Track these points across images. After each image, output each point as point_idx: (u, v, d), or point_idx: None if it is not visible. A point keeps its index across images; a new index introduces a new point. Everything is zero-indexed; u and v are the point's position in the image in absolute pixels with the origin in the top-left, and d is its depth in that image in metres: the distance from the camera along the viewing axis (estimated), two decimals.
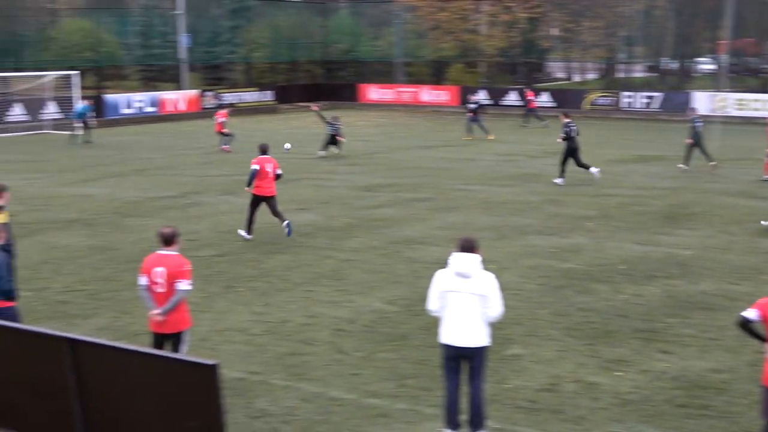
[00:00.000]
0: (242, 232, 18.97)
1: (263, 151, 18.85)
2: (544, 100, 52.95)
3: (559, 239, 19.03)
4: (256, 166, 18.48)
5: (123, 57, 65.12)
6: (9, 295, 10.69)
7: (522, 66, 58.81)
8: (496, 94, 54.16)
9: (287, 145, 31.66)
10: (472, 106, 39.61)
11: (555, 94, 54.05)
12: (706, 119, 37.35)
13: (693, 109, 31.08)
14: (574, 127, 26.29)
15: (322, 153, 32.77)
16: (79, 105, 38.69)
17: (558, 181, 26.26)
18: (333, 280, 15.84)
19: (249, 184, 18.61)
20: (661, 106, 49.83)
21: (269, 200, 18.76)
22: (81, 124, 37.66)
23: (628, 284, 15.56)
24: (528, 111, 45.88)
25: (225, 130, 35.42)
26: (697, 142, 28.79)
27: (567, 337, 12.77)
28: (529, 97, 46.61)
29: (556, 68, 74.43)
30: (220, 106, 40.34)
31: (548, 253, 17.75)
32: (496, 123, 45.92)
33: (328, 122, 33.20)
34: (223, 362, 11.05)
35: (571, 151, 26.23)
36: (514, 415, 10.15)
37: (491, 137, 38.62)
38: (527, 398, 10.60)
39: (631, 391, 10.87)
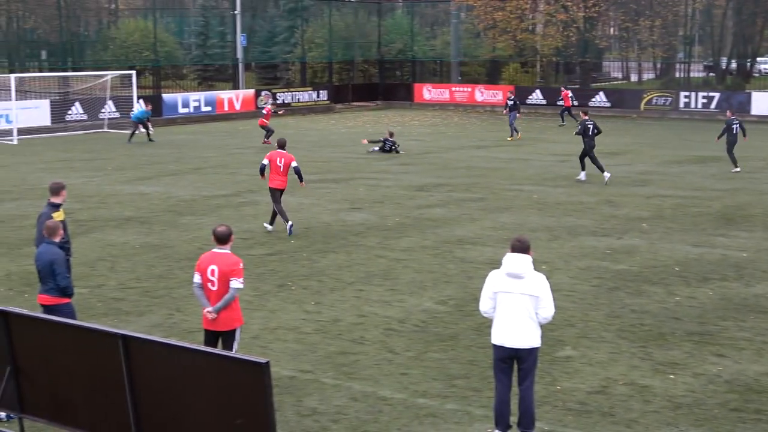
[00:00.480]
0: (268, 227, 19.63)
1: (280, 146, 19.45)
2: (600, 100, 52.51)
3: (613, 240, 18.87)
4: (266, 161, 19.31)
5: (181, 57, 65.84)
6: (65, 291, 10.88)
7: (578, 65, 58.34)
8: (552, 94, 53.79)
9: (374, 148, 34.30)
10: (510, 103, 39.61)
11: (611, 94, 53.56)
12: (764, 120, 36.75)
13: (730, 110, 30.85)
14: (591, 125, 26.33)
15: (374, 148, 33.80)
16: (138, 109, 39.01)
17: (581, 176, 26.69)
18: (384, 279, 15.87)
19: (261, 174, 19.62)
20: (720, 106, 49.15)
21: (277, 193, 19.39)
22: (140, 127, 38.01)
23: (682, 286, 15.39)
24: (564, 109, 45.83)
25: (267, 125, 36.10)
26: (731, 143, 28.52)
27: (619, 340, 12.67)
28: (564, 95, 46.41)
29: (613, 68, 73.84)
30: (265, 103, 40.80)
31: (602, 255, 17.61)
32: (551, 123, 45.67)
33: (382, 141, 34.17)
34: (274, 360, 11.14)
35: (588, 148, 26.40)
36: (564, 417, 10.09)
37: (511, 138, 38.62)
38: (578, 400, 10.54)
39: (683, 394, 10.75)
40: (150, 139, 37.69)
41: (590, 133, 26.20)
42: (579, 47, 56.68)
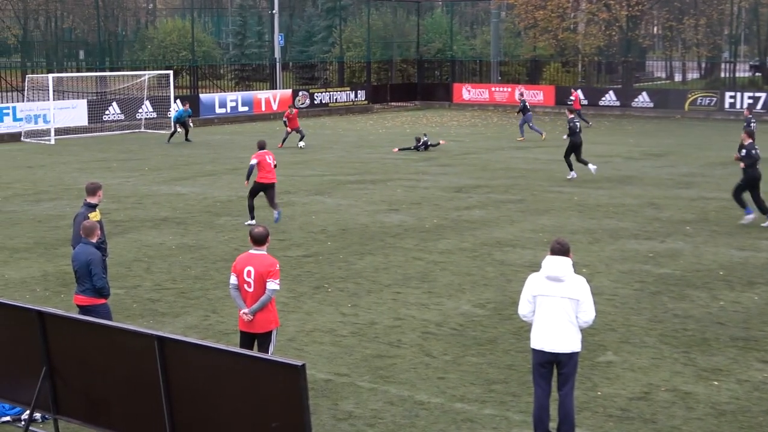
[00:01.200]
0: (249, 222, 20.46)
1: (261, 146, 20.70)
2: (643, 100, 52.15)
3: (656, 244, 18.72)
4: (254, 161, 20.37)
5: (218, 56, 66.23)
6: (102, 292, 10.97)
7: (620, 65, 57.97)
8: (594, 94, 53.51)
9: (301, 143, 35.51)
10: (521, 105, 39.60)
11: (654, 94, 53.18)
12: None
13: (748, 108, 30.73)
14: (577, 123, 27.38)
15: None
16: (177, 109, 39.19)
17: (570, 176, 27.32)
18: (422, 282, 15.85)
19: (248, 178, 20.66)
20: (766, 106, 48.60)
21: (270, 188, 20.53)
22: (179, 127, 38.19)
23: (727, 291, 15.23)
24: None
25: (288, 128, 35.98)
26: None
27: (662, 345, 12.56)
28: (572, 97, 46.01)
29: (657, 67, 73.28)
30: (292, 104, 40.52)
31: (644, 258, 17.48)
32: (594, 124, 45.37)
33: (414, 146, 34.35)
34: (310, 363, 11.15)
35: (574, 147, 27.11)
36: (605, 423, 10.02)
37: (520, 139, 38.55)
38: (619, 407, 10.46)
39: (727, 401, 10.63)
40: (187, 139, 37.92)
41: (578, 131, 27.11)
42: (621, 46, 56.31)
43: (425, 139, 34.91)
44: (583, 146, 27.44)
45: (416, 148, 34.46)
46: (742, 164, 20.46)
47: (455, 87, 58.38)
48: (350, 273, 16.46)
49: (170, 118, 39.23)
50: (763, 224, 20.27)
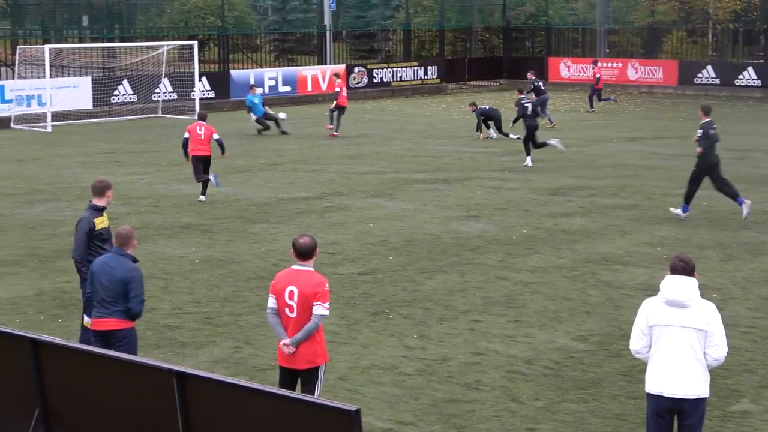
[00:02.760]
0: (200, 198, 24.12)
1: (199, 117, 24.74)
2: None
3: None
4: (186, 134, 24.15)
5: (254, 24, 66.75)
6: (137, 317, 11.45)
7: (763, 34, 57.32)
8: (729, 72, 52.94)
9: (282, 114, 37.49)
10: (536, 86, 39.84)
11: None
12: None
13: None
14: (528, 104, 29.91)
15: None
16: (252, 97, 37.89)
17: (527, 162, 29.42)
18: (507, 308, 15.84)
19: (186, 155, 24.32)
20: None
21: (205, 161, 23.94)
22: (261, 120, 37.14)
23: None
24: (593, 91, 45.26)
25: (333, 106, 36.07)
26: None
27: None
28: (597, 74, 45.52)
29: None
30: (336, 74, 40.13)
31: None
32: (726, 109, 44.94)
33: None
34: (365, 408, 11.20)
35: (530, 130, 29.43)
36: None
37: (551, 126, 38.32)
38: None
39: None
40: (283, 131, 36.92)
41: (530, 113, 29.51)
42: (764, 11, 55.69)
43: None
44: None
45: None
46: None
47: (551, 62, 58.20)
48: (417, 295, 16.49)
49: (250, 115, 37.82)
50: (674, 211, 22.22)
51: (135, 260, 11.54)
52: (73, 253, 13.05)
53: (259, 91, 38.91)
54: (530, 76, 41.66)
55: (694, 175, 21.94)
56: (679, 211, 22.18)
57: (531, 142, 29.41)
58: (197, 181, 24.18)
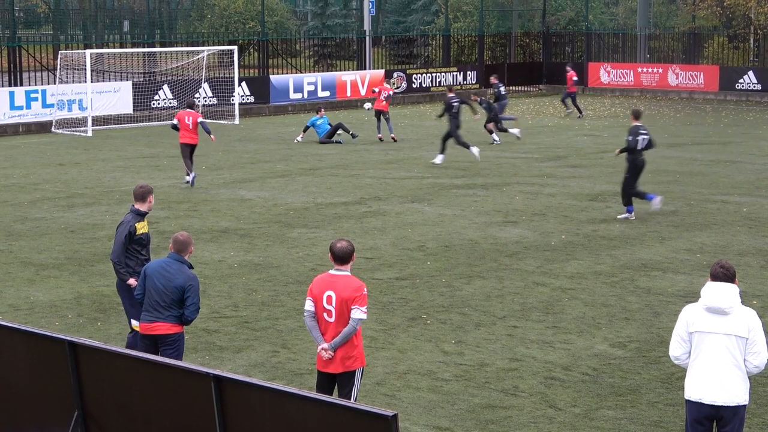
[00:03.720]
0: (187, 178, 26.50)
1: (189, 106, 27.43)
2: None
3: None
4: (176, 120, 26.92)
5: (294, 29, 66.95)
6: (187, 323, 11.63)
7: None
8: None
9: (367, 105, 38.61)
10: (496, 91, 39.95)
11: None
12: None
13: None
14: (456, 103, 30.64)
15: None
16: (316, 116, 37.46)
17: (437, 160, 30.57)
18: (545, 314, 15.80)
19: (176, 129, 26.97)
20: None
21: (192, 148, 26.60)
22: (324, 139, 36.65)
23: None
24: (566, 94, 45.85)
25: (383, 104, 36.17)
26: None
27: None
28: (572, 77, 45.30)
29: None
30: (385, 78, 40.12)
31: None
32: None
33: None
34: (402, 413, 11.21)
35: (453, 128, 30.29)
36: None
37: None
38: None
39: None
40: (352, 134, 36.86)
41: (454, 111, 30.32)
42: None
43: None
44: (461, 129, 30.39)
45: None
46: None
47: (591, 67, 57.99)
48: (454, 301, 16.47)
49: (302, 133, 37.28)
50: (619, 215, 22.79)
51: (191, 266, 11.62)
52: (111, 255, 13.14)
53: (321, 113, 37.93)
54: (493, 80, 41.47)
55: (627, 183, 22.78)
56: (626, 215, 22.77)
57: (456, 139, 30.21)
58: (185, 168, 26.82)
